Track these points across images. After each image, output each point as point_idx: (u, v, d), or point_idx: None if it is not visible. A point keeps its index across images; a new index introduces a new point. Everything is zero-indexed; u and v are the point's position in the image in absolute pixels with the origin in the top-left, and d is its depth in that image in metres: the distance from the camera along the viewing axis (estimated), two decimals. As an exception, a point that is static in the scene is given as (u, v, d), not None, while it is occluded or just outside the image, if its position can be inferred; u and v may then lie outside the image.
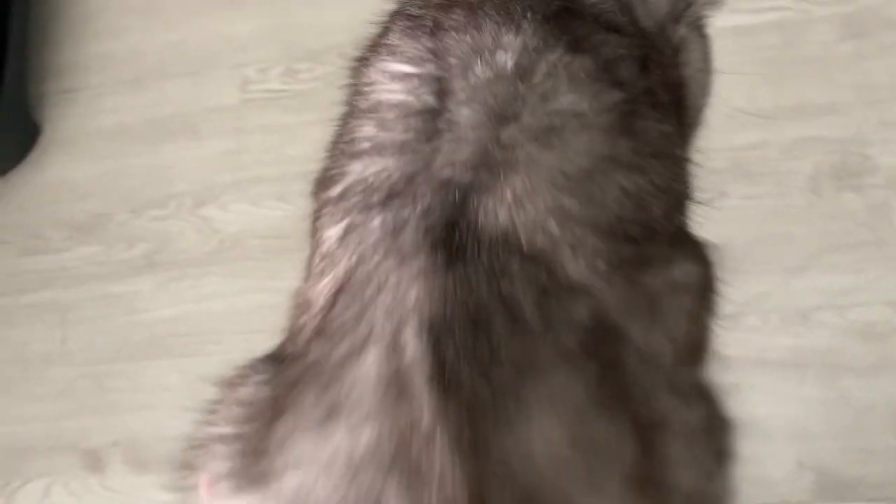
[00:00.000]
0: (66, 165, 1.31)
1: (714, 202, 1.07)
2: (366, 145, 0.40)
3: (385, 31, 0.45)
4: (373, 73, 0.43)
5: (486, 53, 0.40)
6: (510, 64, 0.39)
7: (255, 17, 1.28)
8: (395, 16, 0.46)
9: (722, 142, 1.11)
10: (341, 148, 0.42)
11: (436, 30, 0.42)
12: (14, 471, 1.15)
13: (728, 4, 1.07)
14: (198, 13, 1.32)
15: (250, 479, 0.34)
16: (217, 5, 1.31)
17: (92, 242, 1.24)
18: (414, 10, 0.44)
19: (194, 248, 1.18)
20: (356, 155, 0.40)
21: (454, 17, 0.42)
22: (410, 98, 0.40)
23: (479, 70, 0.39)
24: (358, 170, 0.39)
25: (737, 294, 1.04)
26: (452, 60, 0.40)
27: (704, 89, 0.51)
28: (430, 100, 0.39)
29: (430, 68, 0.40)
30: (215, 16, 1.30)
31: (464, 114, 0.38)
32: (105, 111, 1.31)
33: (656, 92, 0.44)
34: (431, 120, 0.38)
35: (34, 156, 1.32)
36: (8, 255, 1.28)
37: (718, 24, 1.16)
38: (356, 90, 0.44)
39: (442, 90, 0.39)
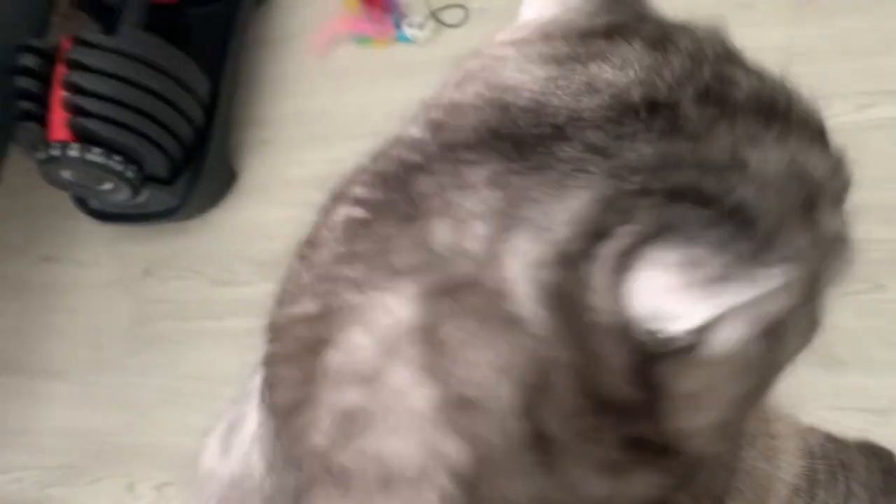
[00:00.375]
0: (257, 209, 1.47)
1: (869, 294, 1.07)
2: (269, 374, 0.33)
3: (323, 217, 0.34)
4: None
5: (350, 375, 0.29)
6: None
7: (430, 88, 1.40)
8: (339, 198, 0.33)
9: (883, 233, 1.11)
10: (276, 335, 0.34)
11: (339, 274, 0.30)
12: (190, 478, 1.29)
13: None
14: (381, 81, 1.45)
15: None
16: (398, 75, 1.44)
17: (275, 279, 1.38)
18: (360, 194, 0.32)
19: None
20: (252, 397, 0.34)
21: (354, 264, 0.29)
22: (288, 370, 0.31)
23: (337, 393, 0.29)
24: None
25: (890, 391, 1.03)
26: (336, 333, 0.29)
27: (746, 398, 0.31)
28: (296, 382, 0.30)
29: (319, 329, 0.30)
30: (396, 84, 1.43)
31: (312, 439, 0.29)
32: (295, 163, 1.46)
33: None
34: (295, 401, 0.30)
35: (230, 198, 1.50)
36: (201, 285, 1.45)
37: (874, 115, 1.17)
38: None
39: (310, 376, 0.30)
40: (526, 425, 0.27)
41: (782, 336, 0.29)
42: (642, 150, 0.27)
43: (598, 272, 0.25)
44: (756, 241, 0.25)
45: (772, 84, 0.33)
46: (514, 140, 0.28)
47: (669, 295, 0.24)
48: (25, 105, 1.28)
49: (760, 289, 0.24)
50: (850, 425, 1.05)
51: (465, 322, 0.26)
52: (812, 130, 0.32)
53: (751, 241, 0.25)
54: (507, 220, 0.26)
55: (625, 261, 0.25)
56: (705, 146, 0.28)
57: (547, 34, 0.33)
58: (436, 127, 0.31)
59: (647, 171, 0.26)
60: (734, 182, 0.27)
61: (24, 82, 1.28)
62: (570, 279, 0.26)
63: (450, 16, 1.51)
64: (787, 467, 0.43)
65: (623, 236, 0.25)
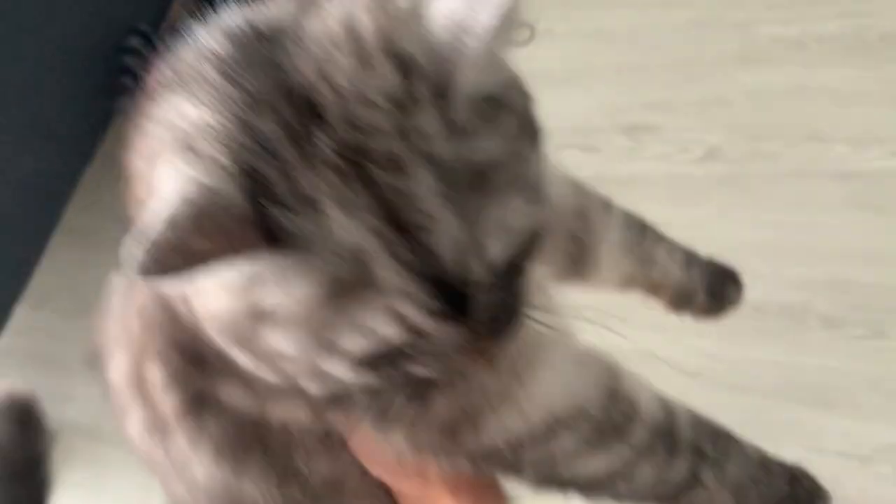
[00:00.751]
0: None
1: (869, 340, 1.05)
2: None
3: None
4: None
5: None
6: None
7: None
8: None
9: (894, 280, 1.09)
10: None
11: None
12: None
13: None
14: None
15: None
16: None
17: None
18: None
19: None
20: None
21: None
22: None
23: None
24: None
25: (874, 439, 1.01)
26: None
27: None
28: None
29: None
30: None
31: None
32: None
33: None
34: None
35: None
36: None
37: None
38: None
39: None
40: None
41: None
42: (264, 123, 0.31)
43: None
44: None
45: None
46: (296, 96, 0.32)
47: None
48: (127, 80, 1.47)
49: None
50: (827, 468, 1.03)
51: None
52: (423, 266, 0.32)
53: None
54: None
55: None
56: (306, 173, 0.30)
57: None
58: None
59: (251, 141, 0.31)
60: (298, 209, 0.30)
61: (128, 60, 1.47)
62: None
63: (516, 34, 1.57)
64: (540, 395, 0.45)
65: None
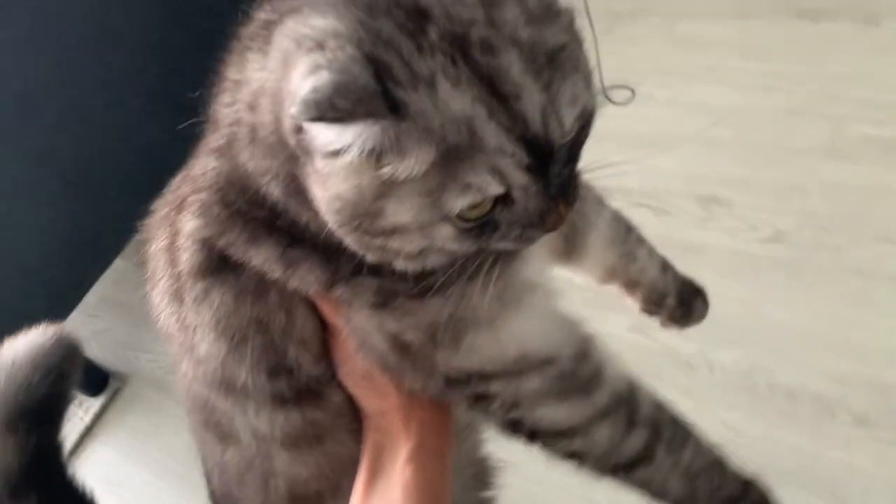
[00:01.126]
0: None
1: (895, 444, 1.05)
2: None
3: None
4: None
5: None
6: None
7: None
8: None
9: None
10: None
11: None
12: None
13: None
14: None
15: None
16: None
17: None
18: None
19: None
20: None
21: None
22: None
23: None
24: None
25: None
26: None
27: None
28: None
29: None
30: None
31: None
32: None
33: None
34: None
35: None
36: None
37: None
38: None
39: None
40: None
41: None
42: (382, 23, 0.39)
43: None
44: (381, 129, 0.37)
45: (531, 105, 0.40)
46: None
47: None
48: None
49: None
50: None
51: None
52: (516, 128, 0.39)
53: (364, 118, 0.37)
54: None
55: None
56: (420, 58, 0.38)
57: None
58: None
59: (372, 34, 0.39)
60: (415, 86, 0.38)
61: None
62: None
63: (617, 95, 1.64)
64: (518, 329, 0.51)
65: None
